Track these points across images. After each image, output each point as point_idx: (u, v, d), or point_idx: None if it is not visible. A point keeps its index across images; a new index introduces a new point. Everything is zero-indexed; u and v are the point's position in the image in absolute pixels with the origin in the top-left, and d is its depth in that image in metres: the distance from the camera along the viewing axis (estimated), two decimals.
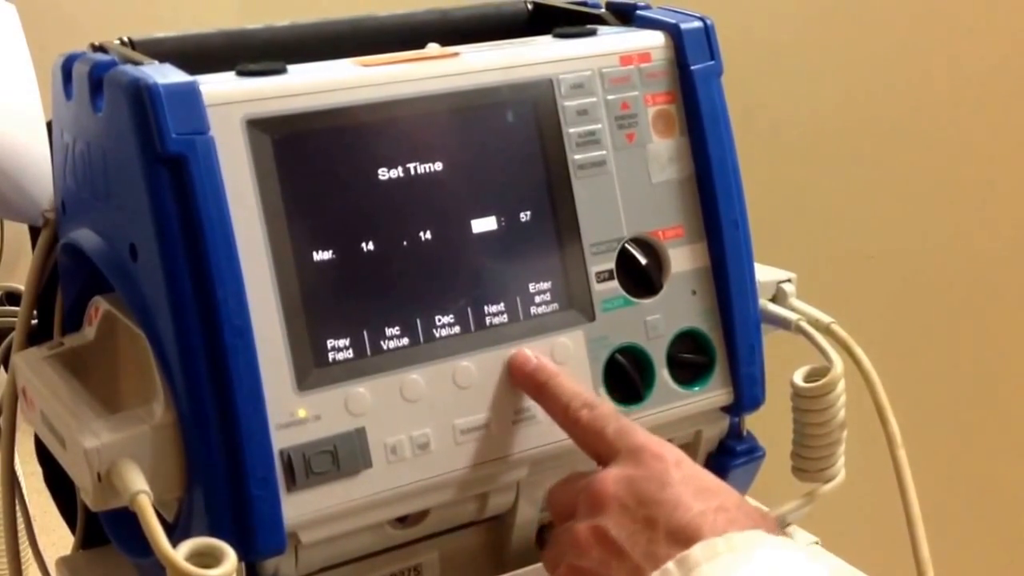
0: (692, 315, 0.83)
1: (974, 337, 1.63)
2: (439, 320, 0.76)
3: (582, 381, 0.79)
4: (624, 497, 0.68)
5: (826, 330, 0.88)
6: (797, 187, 1.78)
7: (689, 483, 0.68)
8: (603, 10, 0.90)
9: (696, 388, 0.83)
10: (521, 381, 0.77)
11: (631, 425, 0.73)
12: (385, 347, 0.75)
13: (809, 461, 0.87)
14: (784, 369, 0.87)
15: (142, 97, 0.68)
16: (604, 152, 0.81)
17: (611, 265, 0.81)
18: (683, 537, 0.65)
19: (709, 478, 0.70)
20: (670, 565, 0.64)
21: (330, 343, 0.73)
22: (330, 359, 0.73)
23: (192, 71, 0.72)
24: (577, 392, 0.75)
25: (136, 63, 0.73)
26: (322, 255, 0.73)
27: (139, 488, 0.68)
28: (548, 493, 0.76)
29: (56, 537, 1.06)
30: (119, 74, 0.71)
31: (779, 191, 1.74)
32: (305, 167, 0.73)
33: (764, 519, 0.67)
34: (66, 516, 0.95)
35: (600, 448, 0.73)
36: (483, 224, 0.77)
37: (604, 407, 0.75)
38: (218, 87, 0.71)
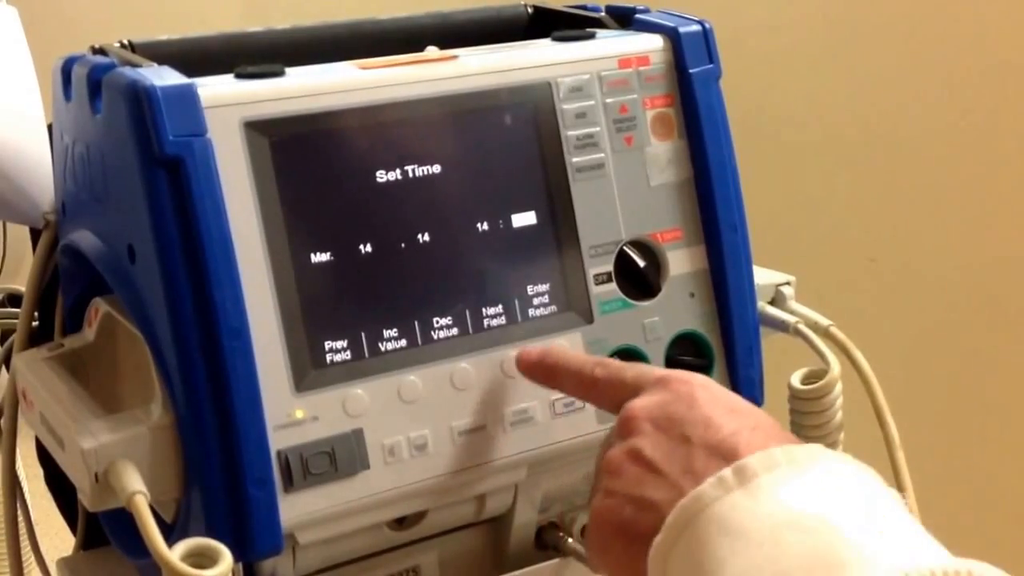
0: (690, 318, 0.83)
1: (973, 340, 1.63)
2: (437, 322, 0.76)
3: None
4: (656, 418, 0.66)
5: (824, 333, 0.88)
6: (797, 190, 1.78)
7: (718, 403, 0.66)
8: (602, 14, 0.90)
9: None
10: (532, 372, 0.76)
11: (647, 366, 0.73)
12: (383, 349, 0.75)
13: None
14: (783, 371, 0.87)
15: (140, 99, 0.69)
16: (602, 155, 0.81)
17: (609, 267, 0.81)
18: (722, 451, 0.62)
19: (738, 400, 0.68)
20: (727, 473, 0.60)
21: (328, 344, 0.73)
22: (328, 360, 0.73)
23: (192, 74, 0.72)
24: (586, 358, 0.75)
25: (135, 65, 0.74)
26: (320, 257, 0.73)
27: (135, 489, 0.68)
28: (598, 457, 0.73)
29: (59, 540, 1.07)
30: (117, 76, 0.71)
31: (779, 194, 1.74)
32: (303, 169, 0.73)
33: (794, 439, 0.65)
34: (67, 517, 0.96)
35: (624, 396, 0.70)
36: (481, 226, 0.78)
37: (616, 361, 0.74)
38: (216, 89, 0.71)
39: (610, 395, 0.72)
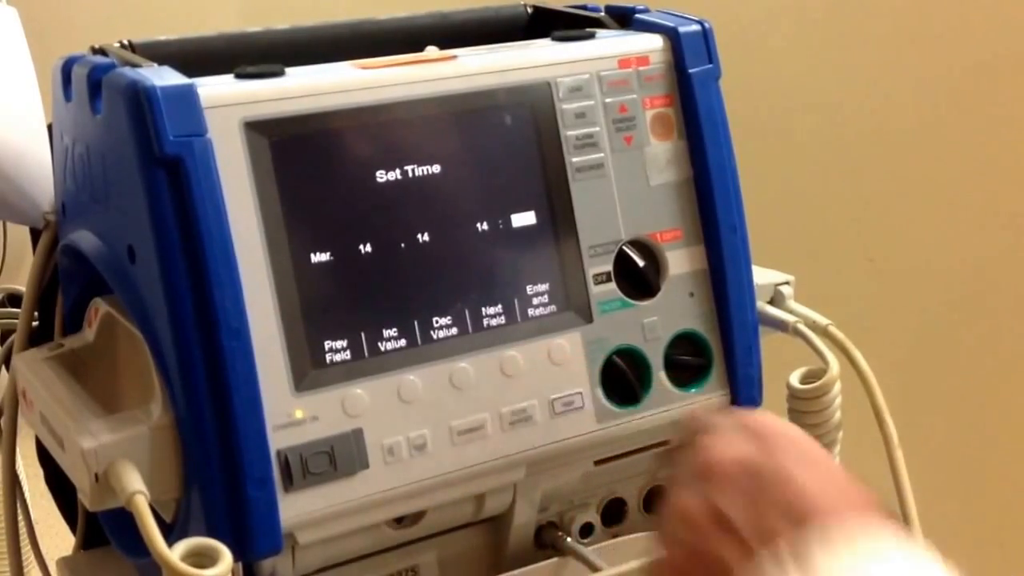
0: (689, 317, 0.83)
1: (972, 338, 1.63)
2: (437, 322, 0.76)
3: (579, 383, 0.79)
4: (735, 471, 0.65)
5: (823, 332, 0.88)
6: (796, 189, 1.78)
7: (802, 461, 0.65)
8: (602, 13, 0.90)
9: (693, 390, 0.83)
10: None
11: (739, 411, 0.71)
12: (383, 348, 0.75)
13: None
14: (784, 371, 0.88)
15: (140, 99, 0.69)
16: (602, 155, 0.81)
17: (609, 267, 0.81)
18: (795, 513, 0.61)
19: (821, 456, 0.67)
20: (782, 548, 0.59)
21: (328, 344, 0.73)
22: (328, 360, 0.73)
23: (192, 74, 0.72)
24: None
25: (135, 65, 0.74)
26: (320, 257, 0.73)
27: (135, 488, 0.68)
28: (672, 452, 0.72)
29: (59, 540, 1.07)
30: (117, 76, 0.71)
31: (778, 193, 1.74)
32: (303, 169, 0.73)
33: (871, 499, 0.64)
34: (67, 516, 0.96)
35: (698, 427, 0.69)
36: (481, 226, 0.78)
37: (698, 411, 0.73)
38: (216, 89, 0.71)
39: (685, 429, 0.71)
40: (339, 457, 0.73)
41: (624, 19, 0.88)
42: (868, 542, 0.60)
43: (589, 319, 0.80)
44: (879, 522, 0.61)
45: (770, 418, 0.69)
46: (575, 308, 0.80)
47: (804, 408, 0.86)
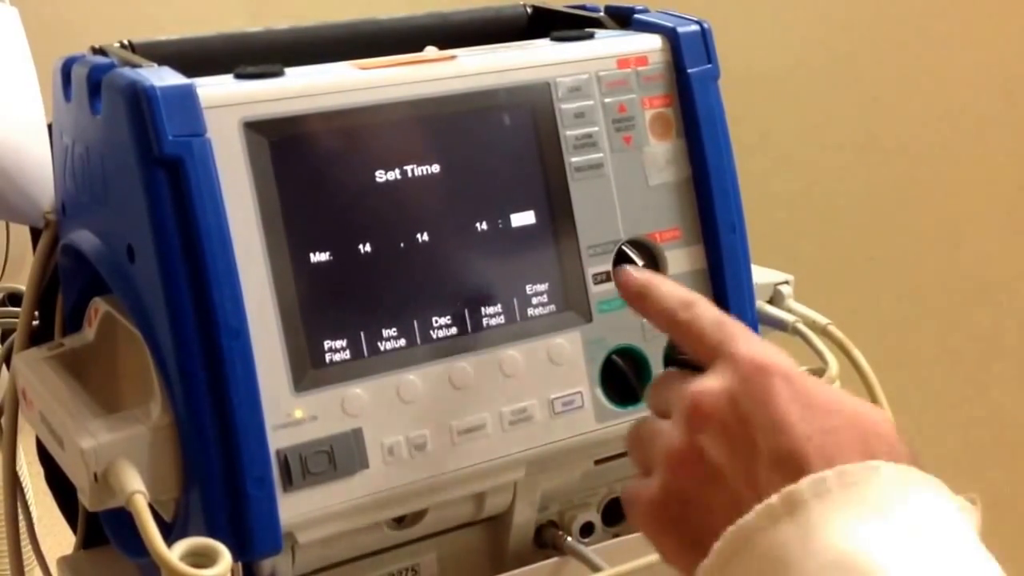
0: None
1: (972, 337, 1.63)
2: (436, 321, 0.76)
3: (578, 382, 0.79)
4: (725, 417, 0.59)
5: (823, 331, 0.88)
6: (796, 189, 1.78)
7: (795, 400, 0.58)
8: (601, 14, 0.90)
9: None
10: (627, 297, 0.71)
11: (733, 329, 0.64)
12: (382, 348, 0.75)
13: None
14: None
15: (139, 99, 0.69)
16: (601, 155, 0.81)
17: (608, 267, 0.81)
18: (788, 465, 0.56)
19: (820, 393, 0.59)
20: (774, 500, 0.54)
21: (327, 344, 0.73)
22: (327, 360, 0.73)
23: (191, 74, 0.72)
24: (679, 298, 0.67)
25: (134, 66, 0.74)
26: (319, 257, 0.73)
27: (135, 488, 0.68)
28: (650, 390, 0.68)
29: (60, 538, 1.07)
30: (117, 77, 0.72)
31: (777, 193, 1.74)
32: (302, 169, 0.73)
33: (881, 442, 0.57)
34: (67, 515, 0.96)
35: (701, 353, 0.64)
36: (480, 226, 0.78)
37: (700, 306, 0.66)
38: (215, 89, 0.71)
39: (687, 345, 0.66)
40: (339, 457, 0.73)
41: (623, 19, 0.88)
42: (871, 492, 0.54)
43: (588, 318, 0.80)
44: (890, 468, 0.55)
45: (764, 351, 0.61)
46: (575, 307, 0.80)
47: None
